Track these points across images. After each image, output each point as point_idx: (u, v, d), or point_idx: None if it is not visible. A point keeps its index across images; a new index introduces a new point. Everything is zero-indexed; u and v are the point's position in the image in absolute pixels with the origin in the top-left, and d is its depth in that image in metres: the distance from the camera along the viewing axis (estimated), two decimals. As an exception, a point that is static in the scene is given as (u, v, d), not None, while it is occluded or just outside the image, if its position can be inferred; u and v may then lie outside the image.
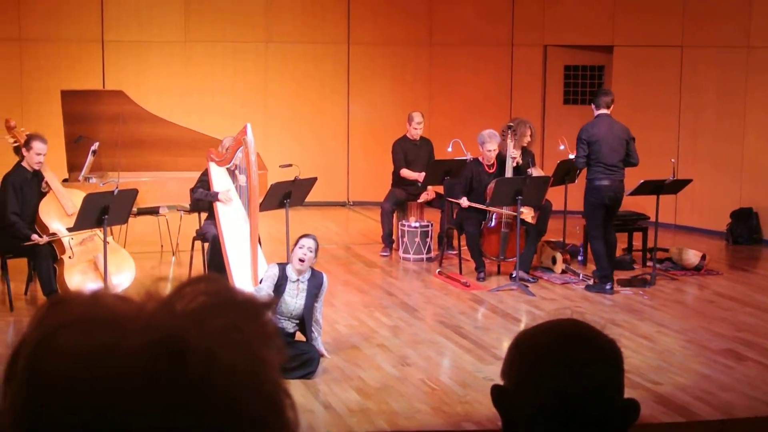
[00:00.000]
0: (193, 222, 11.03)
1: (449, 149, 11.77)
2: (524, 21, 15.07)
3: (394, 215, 12.12)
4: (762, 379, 7.64)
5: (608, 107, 10.50)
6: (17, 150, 9.63)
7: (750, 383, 7.61)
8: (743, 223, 12.83)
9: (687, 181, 11.03)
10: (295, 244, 7.86)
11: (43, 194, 9.62)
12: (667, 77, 13.67)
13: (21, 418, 0.97)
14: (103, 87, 14.11)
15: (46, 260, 9.39)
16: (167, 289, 1.07)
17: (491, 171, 10.98)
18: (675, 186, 10.94)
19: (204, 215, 10.49)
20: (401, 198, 12.11)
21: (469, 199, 10.89)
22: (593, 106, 10.63)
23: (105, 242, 9.24)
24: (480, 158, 11.07)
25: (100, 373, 0.96)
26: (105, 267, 9.23)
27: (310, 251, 7.79)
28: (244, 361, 1.00)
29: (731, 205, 12.99)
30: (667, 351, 8.41)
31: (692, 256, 11.35)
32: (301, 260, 7.75)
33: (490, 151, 10.92)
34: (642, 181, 10.77)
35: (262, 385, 1.01)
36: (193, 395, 0.96)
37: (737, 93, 12.95)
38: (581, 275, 10.85)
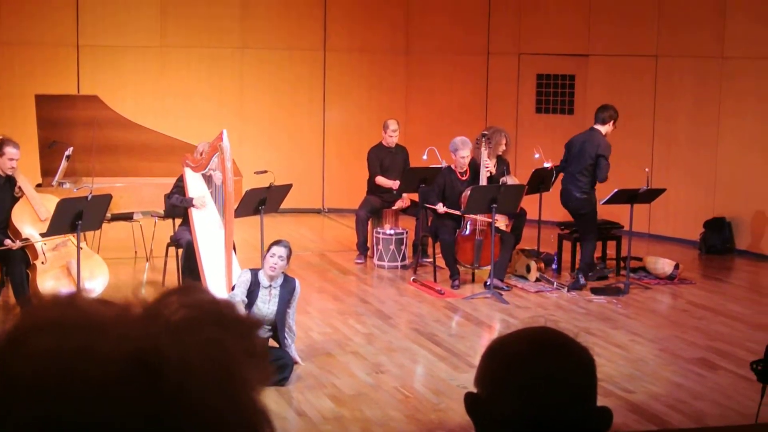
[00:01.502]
0: (168, 228, 11.00)
1: (424, 157, 11.79)
2: (500, 30, 15.11)
3: (369, 222, 12.12)
4: (734, 388, 7.67)
5: (599, 121, 10.95)
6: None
7: (722, 392, 7.64)
8: (716, 232, 12.90)
9: (661, 191, 11.09)
10: (267, 250, 7.84)
11: (16, 199, 9.56)
12: (642, 86, 13.73)
13: None
14: (78, 92, 14.05)
15: (19, 266, 9.33)
16: (151, 294, 1.05)
17: (464, 179, 11.00)
18: (649, 195, 10.98)
19: (178, 221, 10.46)
20: (376, 205, 12.11)
21: (431, 197, 10.93)
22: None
23: (78, 248, 9.19)
24: (453, 166, 11.09)
25: (71, 377, 0.93)
26: (78, 273, 9.18)
27: (281, 259, 7.77)
28: (223, 379, 0.97)
29: (705, 214, 13.06)
30: (640, 359, 8.44)
31: (666, 265, 11.39)
32: (272, 268, 7.73)
33: (463, 157, 10.95)
34: (616, 190, 10.83)
35: (240, 404, 0.98)
36: (164, 409, 0.93)
37: (711, 103, 13.02)
38: (555, 284, 10.87)
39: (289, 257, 7.85)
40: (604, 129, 10.92)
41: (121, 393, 0.93)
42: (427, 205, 11.06)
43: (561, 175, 11.42)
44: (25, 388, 0.94)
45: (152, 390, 0.93)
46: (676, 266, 11.36)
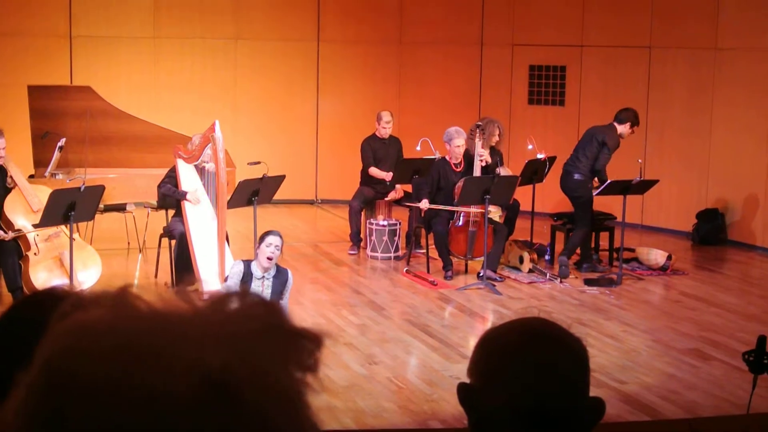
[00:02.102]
0: (161, 219, 10.98)
1: (418, 148, 11.79)
2: (494, 20, 15.10)
3: (363, 213, 12.12)
4: (727, 379, 7.69)
5: (617, 120, 11.22)
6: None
7: (715, 383, 7.66)
8: (709, 223, 12.91)
9: (654, 182, 11.10)
10: (261, 240, 7.84)
11: (8, 190, 9.54)
12: (635, 77, 13.74)
13: (39, 425, 0.87)
14: (71, 82, 14.01)
15: (11, 256, 9.32)
16: (204, 299, 0.98)
17: (458, 170, 11.00)
18: (642, 186, 10.99)
19: (171, 212, 10.45)
20: (369, 196, 12.11)
21: (437, 198, 10.90)
22: None
23: (71, 239, 9.18)
24: (447, 157, 11.09)
25: (135, 385, 0.86)
26: (71, 264, 9.17)
27: (278, 249, 7.80)
28: (290, 399, 0.92)
29: (697, 205, 13.08)
30: (632, 350, 8.45)
31: (658, 256, 11.41)
32: (269, 258, 7.74)
33: (458, 147, 10.96)
34: (609, 181, 10.85)
35: (305, 425, 0.93)
36: (237, 429, 0.87)
37: (704, 94, 13.03)
38: (548, 274, 10.88)
39: (281, 247, 7.87)
40: (620, 128, 11.13)
41: (186, 411, 0.85)
42: (434, 207, 10.89)
43: (555, 165, 11.50)
44: (85, 390, 0.86)
45: (220, 412, 0.87)
46: (669, 257, 11.38)
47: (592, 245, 11.57)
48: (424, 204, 10.84)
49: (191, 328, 0.90)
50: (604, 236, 11.78)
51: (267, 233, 7.85)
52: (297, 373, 0.94)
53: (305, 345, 0.96)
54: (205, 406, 0.86)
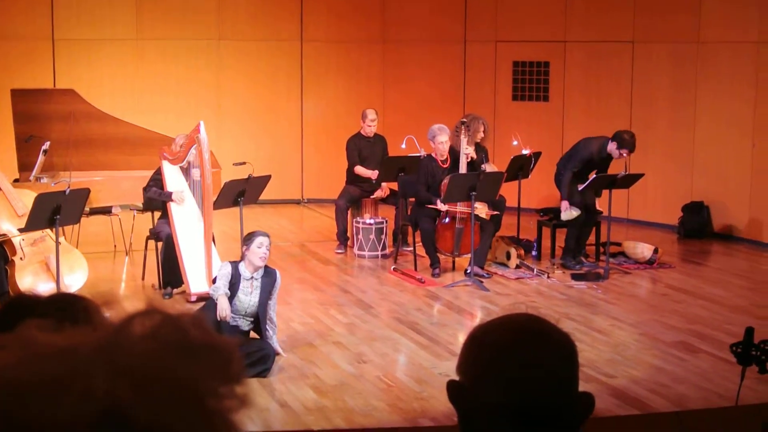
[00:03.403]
0: (147, 221, 10.96)
1: (403, 146, 11.79)
2: (477, 17, 15.11)
3: (349, 212, 12.12)
4: (714, 371, 7.72)
5: (612, 138, 11.07)
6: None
7: (703, 375, 7.68)
8: (694, 216, 12.95)
9: (639, 176, 11.12)
10: (249, 241, 7.82)
11: (-7, 194, 9.52)
12: (619, 72, 13.77)
13: None
14: (54, 85, 13.98)
15: (-3, 261, 9.29)
16: (112, 317, 0.99)
17: (445, 166, 11.02)
18: (627, 180, 11.02)
19: (157, 214, 10.43)
20: (355, 195, 12.11)
21: (424, 195, 10.91)
22: None
23: (57, 243, 9.16)
24: (433, 154, 11.10)
25: (29, 417, 0.88)
26: (57, 268, 9.14)
27: (268, 249, 7.80)
28: (196, 418, 0.92)
29: (683, 198, 13.11)
30: (621, 344, 8.47)
31: (645, 250, 11.44)
32: (263, 258, 7.75)
33: (442, 143, 10.97)
34: (594, 175, 10.88)
35: None
36: None
37: (688, 89, 13.06)
38: (535, 270, 10.90)
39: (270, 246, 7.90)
40: (610, 144, 11.03)
41: None
42: (430, 206, 10.91)
43: (540, 161, 11.54)
44: None
45: (120, 430, 0.89)
46: (655, 250, 11.41)
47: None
48: (441, 205, 10.78)
49: (84, 358, 0.92)
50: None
51: (254, 234, 7.84)
52: (209, 387, 0.94)
53: (216, 358, 0.96)
54: (100, 428, 0.88)
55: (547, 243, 11.62)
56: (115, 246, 11.79)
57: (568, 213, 11.13)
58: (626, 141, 10.97)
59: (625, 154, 11.01)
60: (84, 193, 9.31)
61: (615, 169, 11.19)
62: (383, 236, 11.73)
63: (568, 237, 11.24)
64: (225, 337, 1.00)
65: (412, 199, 11.30)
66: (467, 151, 10.97)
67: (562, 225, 11.40)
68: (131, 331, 0.95)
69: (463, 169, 10.88)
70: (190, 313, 1.02)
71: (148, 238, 10.46)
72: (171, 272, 9.83)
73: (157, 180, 10.11)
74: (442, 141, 10.98)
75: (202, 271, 9.62)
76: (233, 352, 0.98)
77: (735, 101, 12.52)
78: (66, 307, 1.05)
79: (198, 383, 0.94)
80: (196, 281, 9.61)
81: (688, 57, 13.03)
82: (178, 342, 0.95)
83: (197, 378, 0.94)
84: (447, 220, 10.94)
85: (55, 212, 8.85)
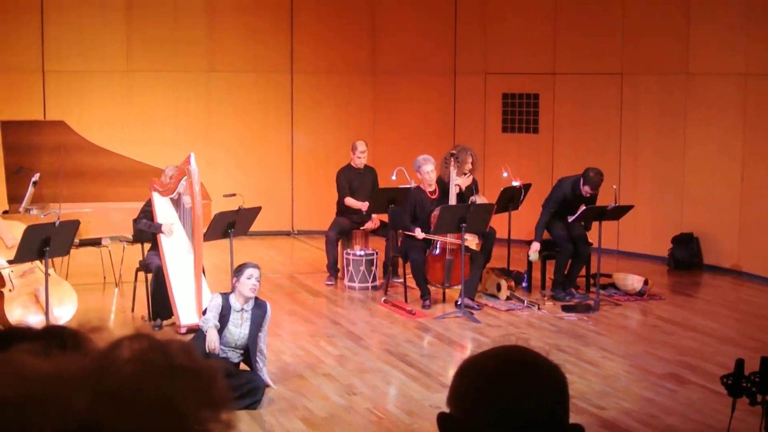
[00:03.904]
0: (136, 253, 10.94)
1: (393, 177, 11.81)
2: (466, 49, 15.18)
3: (339, 244, 12.11)
4: (705, 403, 7.71)
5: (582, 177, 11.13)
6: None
7: (693, 407, 7.67)
8: (684, 247, 12.97)
9: (629, 207, 11.14)
10: (239, 273, 7.82)
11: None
12: (608, 103, 13.82)
13: None
14: (44, 117, 13.98)
15: (-14, 293, 9.26)
16: (101, 340, 1.01)
17: (433, 197, 11.03)
18: (617, 212, 11.04)
19: (147, 246, 10.41)
20: (346, 226, 12.11)
21: (405, 223, 10.93)
22: None
23: (46, 274, 9.13)
24: (421, 185, 11.12)
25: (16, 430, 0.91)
26: (47, 300, 9.11)
27: (258, 281, 7.79)
28: None
29: (672, 230, 13.14)
30: (611, 376, 8.46)
31: (635, 282, 11.45)
32: (253, 290, 7.74)
33: (428, 173, 11.00)
34: (584, 207, 10.91)
35: None
36: None
37: (677, 119, 13.12)
38: (526, 302, 10.89)
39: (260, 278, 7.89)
40: (582, 182, 11.11)
41: None
42: (406, 233, 11.01)
43: (530, 192, 11.60)
44: None
45: None
46: (645, 282, 11.42)
47: (566, 272, 11.57)
48: (419, 233, 10.82)
49: (69, 380, 0.95)
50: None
51: (244, 265, 7.84)
52: (192, 409, 0.96)
53: (199, 381, 0.98)
54: None
55: (537, 275, 11.63)
56: (104, 278, 11.76)
57: (534, 255, 11.26)
58: (588, 178, 11.08)
59: (587, 191, 11.07)
60: (74, 225, 9.29)
61: (604, 201, 11.21)
62: (373, 268, 11.72)
63: (557, 269, 11.25)
64: (210, 362, 1.02)
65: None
66: (457, 183, 10.99)
67: (552, 257, 11.42)
68: (118, 355, 0.97)
69: (452, 200, 10.89)
70: (177, 340, 1.04)
71: (137, 270, 10.44)
72: (161, 304, 9.80)
73: (147, 212, 10.10)
74: (428, 170, 11.01)
75: (191, 302, 9.60)
76: (216, 377, 1.00)
77: (724, 132, 12.57)
78: (55, 335, 1.07)
79: (180, 405, 0.95)
80: (185, 313, 9.59)
81: (676, 88, 13.09)
82: (163, 365, 0.97)
83: (180, 399, 0.95)
84: (437, 251, 10.94)
85: (44, 244, 8.83)
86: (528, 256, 11.41)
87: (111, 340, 1.00)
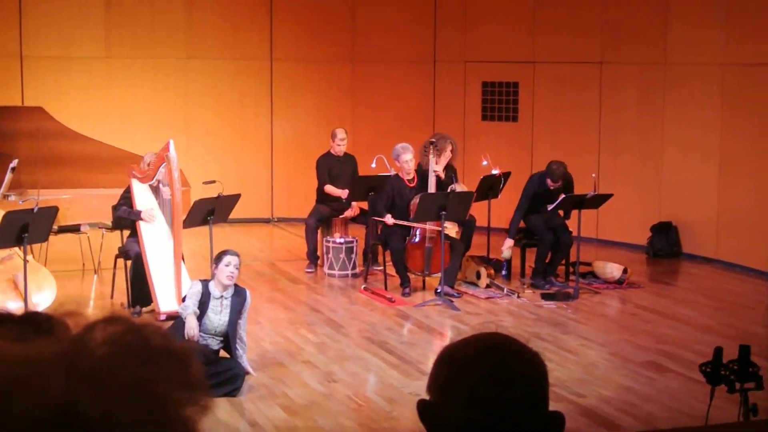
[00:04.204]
0: (116, 239, 10.90)
1: (373, 165, 11.80)
2: (447, 38, 15.17)
3: (319, 231, 12.10)
4: (683, 391, 7.75)
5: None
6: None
7: (672, 395, 7.71)
8: (663, 236, 13.02)
9: (608, 196, 11.17)
10: (217, 260, 7.81)
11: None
12: (587, 92, 13.84)
13: None
14: (22, 103, 13.89)
15: (-36, 280, 9.22)
16: (76, 324, 1.02)
17: (412, 185, 11.03)
18: (596, 200, 11.07)
19: (126, 232, 10.38)
20: (326, 214, 12.10)
21: (392, 215, 10.91)
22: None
23: (25, 261, 9.09)
24: (400, 173, 11.12)
25: None
26: (25, 286, 9.08)
27: (236, 268, 7.77)
28: (153, 421, 0.94)
29: (651, 218, 13.18)
30: (590, 364, 8.49)
31: (614, 270, 11.48)
32: (230, 277, 7.72)
33: (407, 161, 11.01)
34: (563, 196, 10.92)
35: None
36: None
37: (655, 109, 13.15)
38: (505, 290, 10.91)
39: (239, 266, 7.87)
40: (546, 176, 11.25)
41: (46, 430, 0.90)
42: (376, 218, 11.06)
43: (509, 180, 11.64)
44: None
45: (73, 428, 0.91)
46: (625, 270, 11.46)
47: (548, 260, 11.60)
48: (389, 219, 10.83)
49: (44, 363, 0.95)
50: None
51: (224, 253, 7.82)
52: (167, 390, 0.96)
53: (174, 363, 0.99)
54: (54, 426, 0.91)
55: (517, 262, 11.65)
56: (83, 264, 11.72)
57: (508, 252, 11.30)
58: (550, 171, 11.19)
59: (550, 184, 11.12)
60: (52, 211, 9.25)
61: (584, 189, 11.24)
62: (353, 255, 11.72)
63: (538, 258, 11.28)
64: (185, 344, 1.03)
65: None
66: (436, 170, 11.00)
67: (532, 245, 11.45)
68: (93, 337, 0.97)
69: (431, 188, 10.90)
70: (153, 323, 1.05)
71: (117, 257, 10.41)
72: (140, 291, 9.77)
73: (126, 199, 10.06)
74: (406, 159, 11.02)
75: (171, 289, 9.58)
76: (192, 359, 1.00)
77: (701, 120, 12.61)
78: (29, 320, 1.07)
79: (156, 387, 0.96)
80: (165, 300, 9.57)
81: (655, 77, 13.12)
82: (139, 348, 0.98)
83: (156, 382, 0.96)
84: (417, 239, 10.95)
85: (23, 230, 8.79)
86: (502, 253, 11.43)
87: (86, 323, 1.00)
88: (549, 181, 11.14)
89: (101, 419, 0.92)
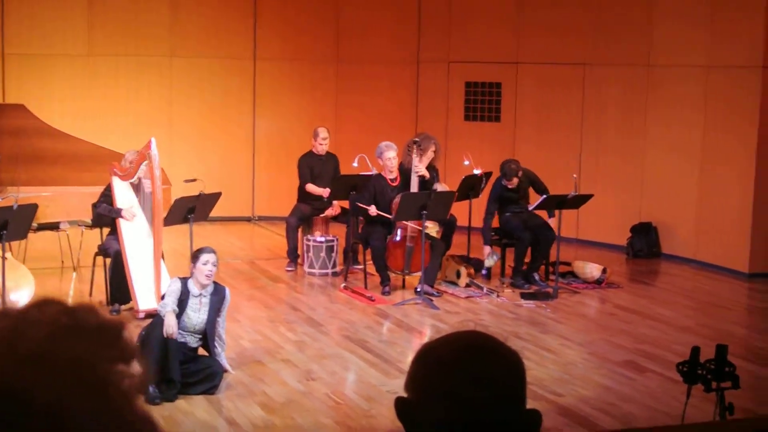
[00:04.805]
0: (95, 237, 10.87)
1: (355, 164, 11.80)
2: (430, 38, 15.18)
3: (300, 230, 12.10)
4: (662, 390, 7.78)
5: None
6: None
7: (650, 394, 7.74)
8: (643, 237, 13.08)
9: (588, 196, 11.21)
10: (194, 259, 7.79)
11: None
12: (570, 93, 13.87)
13: None
14: (3, 100, 13.84)
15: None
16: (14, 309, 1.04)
17: (395, 184, 11.05)
18: (577, 201, 11.10)
19: (106, 230, 10.35)
20: (306, 213, 12.09)
21: (359, 204, 10.94)
22: None
23: (3, 258, 9.06)
24: (382, 173, 11.13)
25: None
26: (3, 283, 9.04)
27: (214, 266, 7.76)
28: (95, 395, 0.97)
29: (631, 219, 13.23)
30: (569, 363, 8.52)
31: (594, 270, 11.52)
32: (208, 276, 7.71)
33: (390, 159, 11.03)
34: (544, 196, 10.96)
35: (120, 414, 0.98)
36: None
37: (638, 110, 13.20)
38: (485, 289, 10.94)
39: (217, 263, 7.86)
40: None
41: None
42: (359, 205, 11.02)
43: (490, 180, 11.68)
44: None
45: (23, 425, 0.93)
46: (604, 270, 11.49)
47: (528, 259, 11.62)
48: (373, 209, 10.84)
49: None
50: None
51: (200, 251, 7.81)
52: (103, 365, 1.00)
53: (106, 337, 1.02)
54: (3, 407, 0.93)
55: (497, 262, 11.67)
56: (62, 262, 11.68)
57: (491, 259, 11.36)
58: (502, 170, 11.32)
59: (506, 183, 11.23)
60: (32, 209, 9.22)
61: (565, 190, 11.27)
62: (334, 254, 11.72)
63: (517, 258, 11.31)
64: (113, 319, 1.06)
65: (363, 218, 11.31)
66: (417, 169, 11.01)
67: (511, 244, 11.48)
68: (29, 320, 1.00)
69: (414, 188, 10.91)
70: (83, 302, 1.08)
71: (96, 255, 10.37)
72: (119, 289, 9.75)
73: (107, 196, 10.04)
74: (389, 157, 11.04)
75: (150, 287, 9.56)
76: (121, 332, 1.04)
77: (684, 123, 12.66)
78: None
79: (94, 363, 0.98)
80: (144, 298, 9.55)
81: (638, 79, 13.17)
82: (71, 326, 1.00)
83: (92, 358, 0.99)
84: (398, 238, 10.96)
85: (1, 228, 8.76)
86: (484, 263, 11.49)
87: (21, 306, 1.03)
88: (504, 179, 11.23)
89: (44, 397, 0.94)
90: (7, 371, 0.95)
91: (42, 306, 1.02)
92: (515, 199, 11.34)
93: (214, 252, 7.81)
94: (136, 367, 1.02)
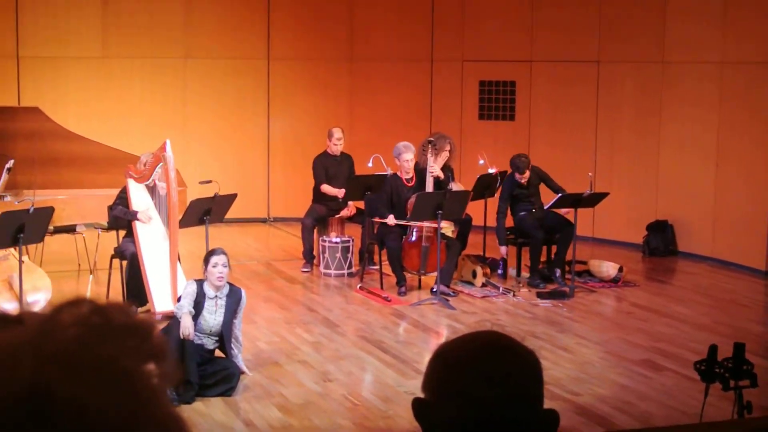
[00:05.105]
0: (111, 240, 10.89)
1: (370, 164, 11.79)
2: (444, 37, 15.17)
3: (315, 231, 12.10)
4: (679, 389, 7.76)
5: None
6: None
7: (667, 392, 7.72)
8: (659, 235, 13.04)
9: (604, 194, 11.18)
10: (206, 262, 7.78)
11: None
12: (584, 91, 13.85)
13: None
14: (19, 104, 13.89)
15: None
16: (44, 311, 1.04)
17: (410, 185, 11.04)
18: (592, 199, 11.07)
19: (122, 233, 10.37)
20: (322, 213, 12.09)
21: (393, 215, 10.92)
22: None
23: (20, 261, 9.08)
24: (398, 173, 11.12)
25: None
26: (21, 287, 9.07)
27: (225, 266, 7.75)
28: (124, 395, 0.97)
29: (647, 217, 13.20)
30: (586, 362, 8.50)
31: (610, 269, 11.49)
32: (220, 278, 7.71)
33: (407, 161, 11.02)
34: (560, 194, 10.94)
35: (149, 413, 0.99)
36: None
37: (652, 107, 13.16)
38: (501, 288, 10.92)
39: (228, 263, 7.85)
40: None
41: (18, 410, 0.93)
42: (377, 219, 11.04)
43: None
44: None
45: (46, 422, 0.93)
46: (620, 269, 11.46)
47: (545, 258, 11.60)
48: (391, 219, 10.83)
49: (11, 347, 0.98)
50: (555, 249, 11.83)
51: (211, 253, 7.81)
52: (131, 363, 1.00)
53: (136, 337, 1.02)
54: (27, 405, 0.94)
55: (512, 261, 11.65)
56: (79, 265, 11.71)
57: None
58: (514, 164, 11.33)
59: (518, 177, 11.22)
60: (48, 212, 9.25)
61: (580, 188, 11.24)
62: (349, 255, 11.72)
63: (531, 256, 11.29)
64: (144, 318, 1.06)
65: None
66: (432, 169, 11.00)
67: (526, 244, 11.46)
68: (60, 320, 1.00)
69: (429, 187, 10.90)
70: (115, 301, 1.09)
71: (112, 257, 10.39)
72: (135, 291, 9.76)
73: (123, 199, 10.06)
74: (407, 159, 11.02)
75: (167, 289, 9.58)
76: (153, 331, 1.04)
77: (699, 119, 12.63)
78: None
79: (123, 362, 0.99)
80: (160, 300, 9.57)
81: (652, 76, 13.13)
82: (102, 326, 1.01)
83: (121, 357, 0.99)
84: (413, 238, 10.95)
85: (18, 231, 8.79)
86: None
87: (52, 306, 1.04)
88: (517, 174, 11.21)
89: (72, 396, 0.94)
90: (31, 370, 0.95)
91: (73, 305, 1.03)
92: (526, 196, 11.31)
93: (224, 253, 7.80)
94: (166, 366, 1.02)
